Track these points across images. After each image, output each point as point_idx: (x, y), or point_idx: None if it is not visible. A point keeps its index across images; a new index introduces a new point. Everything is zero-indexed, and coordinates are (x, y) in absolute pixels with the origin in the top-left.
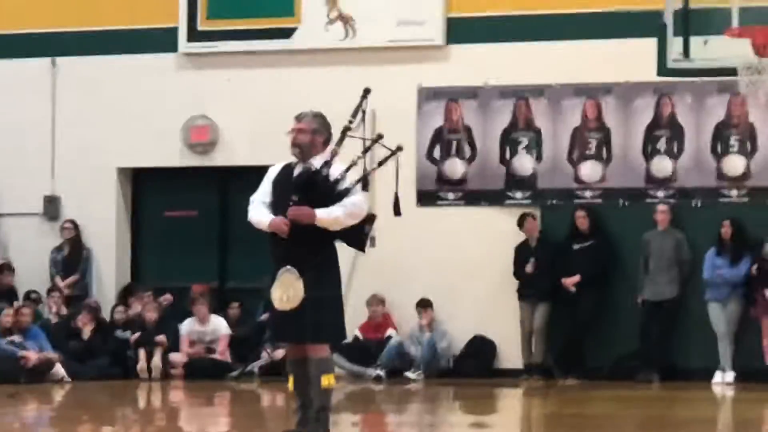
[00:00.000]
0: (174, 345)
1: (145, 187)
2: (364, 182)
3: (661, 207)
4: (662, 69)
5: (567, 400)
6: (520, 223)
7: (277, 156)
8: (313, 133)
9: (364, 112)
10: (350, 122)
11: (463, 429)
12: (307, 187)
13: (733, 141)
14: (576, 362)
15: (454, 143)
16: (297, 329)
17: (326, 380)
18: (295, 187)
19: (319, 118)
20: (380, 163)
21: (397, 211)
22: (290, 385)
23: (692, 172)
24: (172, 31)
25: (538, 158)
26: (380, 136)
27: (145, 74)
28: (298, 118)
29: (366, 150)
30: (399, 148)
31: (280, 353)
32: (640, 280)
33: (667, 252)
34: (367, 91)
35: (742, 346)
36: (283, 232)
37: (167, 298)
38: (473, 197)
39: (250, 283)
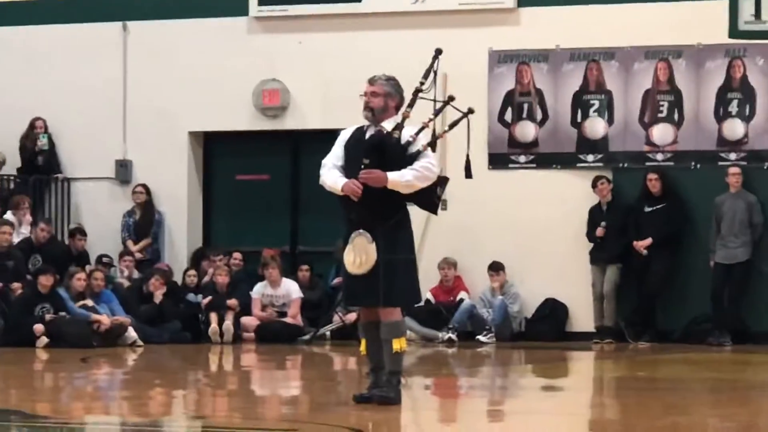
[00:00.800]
0: (245, 309)
1: (216, 151)
2: (434, 144)
3: (733, 170)
4: (734, 31)
5: (638, 363)
6: (593, 185)
7: (348, 120)
8: (385, 96)
9: (435, 72)
10: (421, 83)
11: (534, 392)
12: (379, 150)
13: None
14: (648, 325)
15: (525, 106)
16: (369, 293)
17: (398, 344)
18: (366, 150)
19: (392, 81)
20: (451, 125)
21: (468, 174)
22: (362, 348)
23: (764, 134)
24: None
25: (610, 121)
26: (451, 98)
27: (216, 38)
28: (371, 81)
29: (437, 112)
30: (470, 111)
31: (352, 317)
32: (712, 243)
33: (739, 215)
34: (438, 52)
35: None
36: (356, 195)
37: (237, 257)
38: (545, 160)
39: (322, 246)
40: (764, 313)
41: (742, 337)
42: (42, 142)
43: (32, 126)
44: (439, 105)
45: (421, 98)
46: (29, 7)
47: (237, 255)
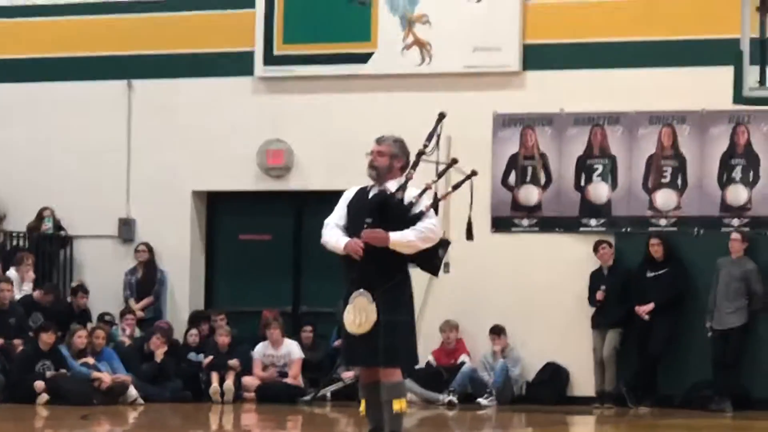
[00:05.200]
0: (246, 368)
1: (219, 210)
2: (437, 206)
3: (735, 235)
4: (738, 97)
5: (639, 428)
6: (595, 250)
7: (352, 181)
8: (391, 157)
9: (438, 136)
10: (425, 146)
11: None
12: (382, 209)
13: None
14: (649, 390)
15: (529, 169)
16: (369, 353)
17: (398, 405)
18: (369, 210)
19: (399, 143)
20: (455, 187)
21: (469, 236)
22: (362, 409)
23: (767, 200)
24: (249, 55)
25: (613, 185)
26: (455, 161)
27: (221, 98)
28: (379, 141)
29: (441, 174)
30: (473, 173)
31: (350, 374)
32: (710, 307)
33: (734, 280)
34: (442, 116)
35: None
36: (357, 254)
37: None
38: (548, 224)
39: (324, 307)
40: (765, 378)
41: (743, 403)
42: (47, 225)
43: (40, 216)
44: (442, 168)
45: (425, 161)
46: (33, 63)
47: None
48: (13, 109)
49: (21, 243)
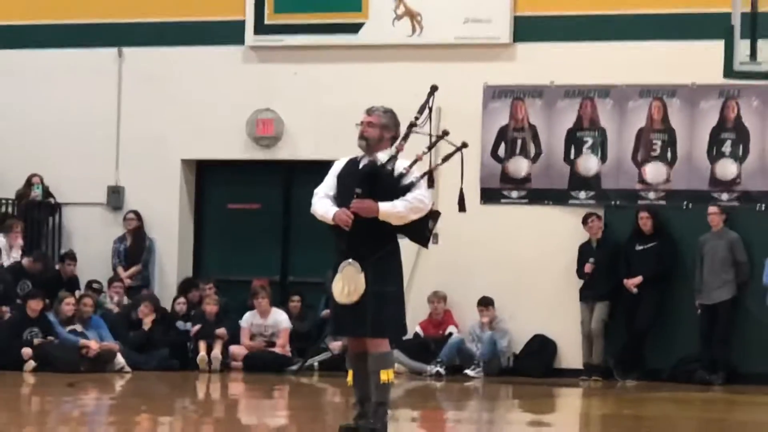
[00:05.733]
0: (234, 338)
1: (208, 179)
2: (429, 178)
3: (712, 209)
4: (728, 71)
5: (626, 401)
6: (584, 222)
7: (342, 151)
8: (381, 128)
9: (430, 109)
10: (416, 118)
11: (521, 427)
12: (371, 180)
13: None
14: (636, 363)
15: (519, 142)
16: (357, 323)
17: (385, 375)
18: (359, 180)
19: (390, 114)
20: (444, 159)
21: (462, 207)
22: (349, 379)
23: (757, 175)
24: (239, 24)
25: (603, 158)
26: (446, 133)
27: (212, 67)
28: (369, 111)
29: (431, 146)
30: (464, 145)
31: (337, 345)
32: (697, 284)
33: (720, 254)
34: (434, 88)
35: None
36: (347, 225)
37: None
38: (537, 196)
39: (312, 277)
40: (752, 352)
41: (730, 377)
42: (36, 193)
43: (29, 182)
44: (433, 139)
45: (416, 132)
46: (24, 30)
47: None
48: (2, 75)
49: (10, 210)
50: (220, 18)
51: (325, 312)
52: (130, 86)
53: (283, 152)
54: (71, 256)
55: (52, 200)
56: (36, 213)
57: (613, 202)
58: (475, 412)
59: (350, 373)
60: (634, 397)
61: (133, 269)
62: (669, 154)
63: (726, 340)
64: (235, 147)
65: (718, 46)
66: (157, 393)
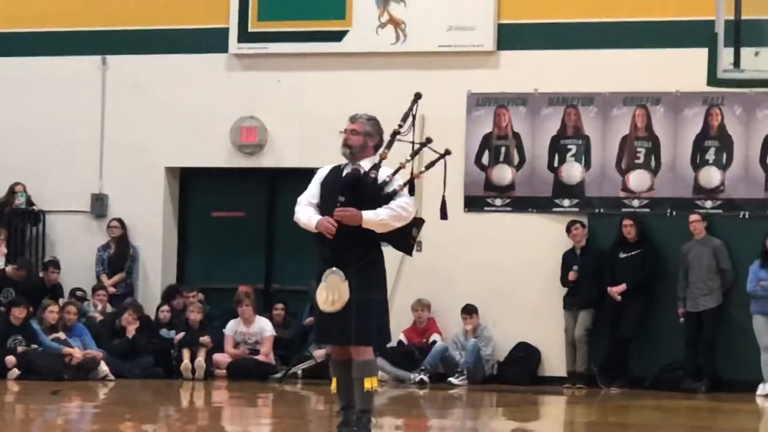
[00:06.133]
0: (218, 345)
1: (192, 187)
2: (411, 186)
3: (694, 216)
4: (712, 79)
5: (610, 409)
6: (568, 230)
7: (325, 159)
8: (365, 135)
9: (414, 116)
10: (400, 126)
11: None
12: (355, 188)
13: None
14: (620, 371)
15: (503, 149)
16: (341, 331)
17: (369, 383)
18: (342, 188)
19: (373, 121)
20: (428, 166)
21: (443, 215)
22: (333, 387)
23: (740, 183)
24: (223, 32)
25: (587, 166)
26: (429, 140)
27: (196, 74)
28: (352, 119)
29: (415, 153)
30: (447, 152)
31: (321, 353)
32: (681, 291)
33: (704, 261)
34: (418, 96)
35: None
36: (330, 233)
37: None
38: (521, 204)
39: (296, 285)
40: (737, 361)
41: (714, 385)
42: (20, 200)
43: (11, 191)
44: (416, 147)
45: (399, 140)
46: (7, 38)
47: (200, 295)
48: None
49: None
50: (204, 25)
51: (309, 320)
52: (114, 94)
53: (267, 160)
54: (55, 264)
55: (35, 208)
56: (19, 221)
57: (596, 210)
58: (459, 419)
59: (334, 380)
60: (619, 404)
61: (116, 277)
62: (653, 162)
63: (711, 347)
64: (219, 155)
65: (701, 53)
66: (140, 401)
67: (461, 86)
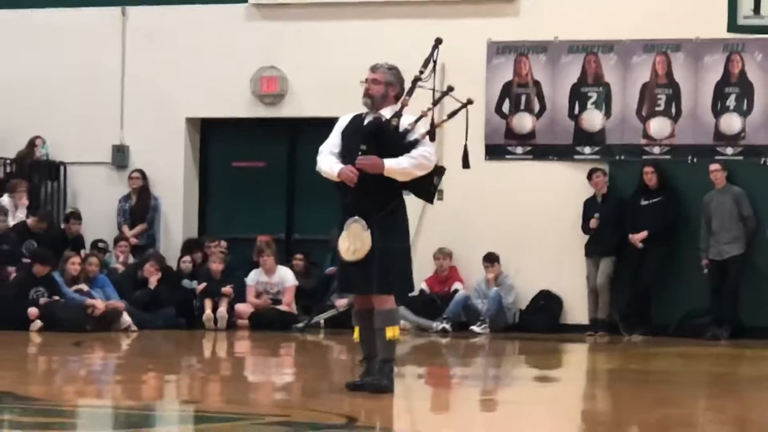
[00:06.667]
0: (240, 296)
1: (213, 137)
2: (433, 134)
3: (714, 166)
4: (732, 25)
5: (632, 356)
6: (589, 177)
7: (346, 108)
8: (386, 84)
9: (435, 62)
10: (421, 72)
11: (527, 383)
12: (376, 136)
13: None
14: (642, 318)
15: (523, 97)
16: (363, 280)
17: (391, 332)
18: (364, 137)
19: (394, 71)
20: (450, 115)
21: (465, 164)
22: (355, 336)
23: (761, 129)
24: None
25: (607, 114)
26: (451, 88)
27: (215, 25)
28: (373, 68)
29: (436, 102)
30: (469, 101)
31: (343, 302)
32: (704, 241)
33: (727, 210)
34: (438, 41)
35: None
36: (352, 181)
37: (222, 245)
38: (542, 152)
39: (317, 235)
40: (760, 308)
41: (738, 332)
42: (42, 152)
43: (32, 143)
44: (438, 95)
45: (420, 87)
46: None
47: (223, 244)
48: (5, 35)
49: (13, 170)
50: None
51: (330, 269)
52: (134, 45)
53: (287, 110)
54: (76, 216)
55: (55, 160)
56: (41, 173)
57: (617, 157)
58: (481, 368)
59: (356, 329)
60: (641, 352)
61: (138, 228)
62: (673, 109)
63: (735, 295)
64: (240, 105)
65: (722, 0)
66: (163, 352)
67: (481, 35)
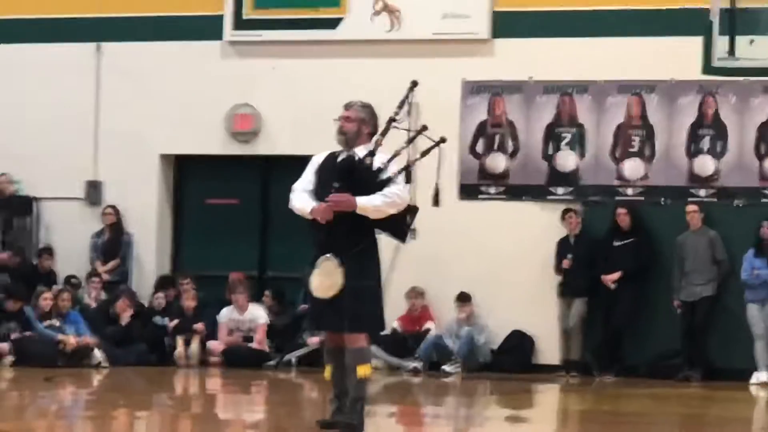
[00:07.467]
0: (212, 333)
1: (187, 174)
2: (407, 173)
3: (691, 207)
4: (707, 67)
5: (604, 397)
6: (562, 218)
7: (320, 146)
8: (360, 122)
9: (410, 104)
10: (396, 113)
11: (499, 423)
12: (350, 174)
13: None
14: (614, 359)
15: (497, 137)
16: (335, 318)
17: (362, 370)
18: (337, 174)
19: (368, 108)
20: (423, 154)
21: (436, 202)
22: (327, 374)
23: (735, 171)
24: (218, 19)
25: (581, 154)
26: (425, 128)
27: (190, 62)
28: (347, 106)
29: (410, 141)
30: (442, 140)
31: (315, 340)
32: (676, 282)
33: (701, 252)
34: (414, 84)
35: None
36: (324, 219)
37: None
38: (515, 192)
39: (290, 272)
40: (731, 349)
41: (708, 374)
42: (13, 189)
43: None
44: (411, 134)
45: (395, 127)
46: (1, 24)
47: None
48: None
49: None
50: (199, 13)
51: (303, 307)
52: (109, 81)
53: (261, 147)
54: (49, 251)
55: (27, 195)
56: (12, 208)
57: (591, 198)
58: (453, 407)
59: (328, 368)
60: (613, 392)
61: (111, 264)
62: (647, 150)
63: (703, 336)
64: (214, 142)
65: (696, 42)
66: (134, 388)
67: (456, 74)
